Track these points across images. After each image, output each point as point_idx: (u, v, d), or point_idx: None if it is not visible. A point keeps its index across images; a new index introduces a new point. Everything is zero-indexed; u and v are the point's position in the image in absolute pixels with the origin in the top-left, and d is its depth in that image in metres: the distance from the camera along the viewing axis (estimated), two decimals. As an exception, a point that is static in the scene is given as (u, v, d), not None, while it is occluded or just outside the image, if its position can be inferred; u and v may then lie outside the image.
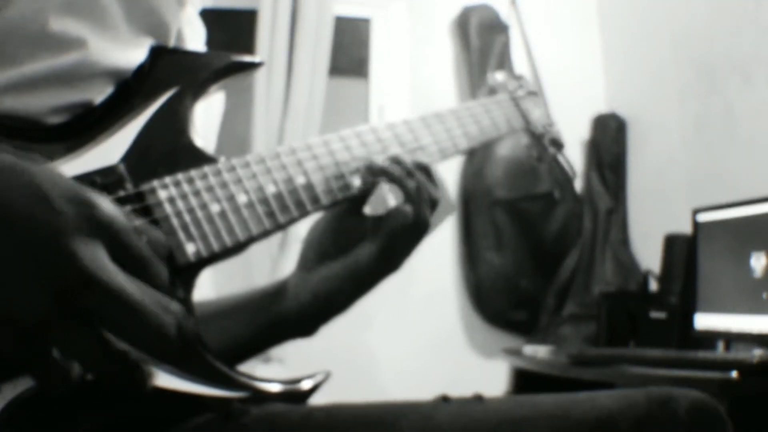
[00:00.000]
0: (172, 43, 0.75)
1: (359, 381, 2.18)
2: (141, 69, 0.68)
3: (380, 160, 0.77)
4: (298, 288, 0.79)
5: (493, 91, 1.05)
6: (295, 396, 0.68)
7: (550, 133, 1.08)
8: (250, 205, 0.66)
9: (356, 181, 0.75)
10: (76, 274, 0.46)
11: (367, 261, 0.76)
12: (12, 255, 0.46)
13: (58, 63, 0.63)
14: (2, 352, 0.47)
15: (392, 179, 0.76)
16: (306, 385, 0.68)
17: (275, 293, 0.79)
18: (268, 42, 2.48)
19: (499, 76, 1.07)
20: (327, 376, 0.70)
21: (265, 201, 0.67)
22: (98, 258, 0.47)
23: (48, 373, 0.48)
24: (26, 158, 0.50)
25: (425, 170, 0.79)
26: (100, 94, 0.66)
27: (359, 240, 0.77)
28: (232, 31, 2.62)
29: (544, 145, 1.08)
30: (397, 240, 0.76)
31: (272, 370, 2.32)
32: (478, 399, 0.72)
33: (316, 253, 0.79)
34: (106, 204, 0.50)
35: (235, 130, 2.52)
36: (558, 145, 1.09)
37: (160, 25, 0.73)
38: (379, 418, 0.68)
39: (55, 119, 0.63)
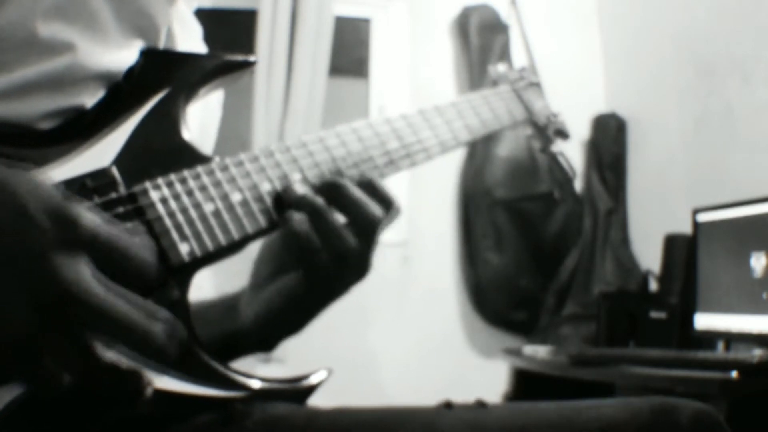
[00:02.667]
0: (162, 43, 0.75)
1: (359, 381, 2.18)
2: (132, 71, 0.68)
3: (298, 186, 0.68)
4: (245, 305, 0.76)
5: (494, 83, 1.03)
6: (296, 394, 0.68)
7: (555, 124, 1.06)
8: (244, 203, 0.65)
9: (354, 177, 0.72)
10: (57, 291, 0.47)
11: (299, 287, 0.71)
12: None
13: (48, 68, 0.63)
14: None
15: (309, 212, 0.67)
16: (307, 382, 0.68)
17: (228, 308, 0.77)
18: (268, 42, 2.49)
19: (500, 68, 1.06)
20: (328, 373, 0.69)
21: (260, 199, 0.66)
22: (79, 274, 0.48)
23: (38, 381, 0.48)
24: (10, 167, 0.50)
25: (368, 185, 0.70)
26: (91, 97, 0.65)
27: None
28: (232, 31, 2.63)
29: (548, 135, 1.07)
30: (321, 272, 0.69)
31: (272, 370, 2.33)
32: (481, 405, 0.71)
33: (266, 270, 0.76)
34: (88, 216, 0.50)
35: (236, 130, 2.53)
36: (563, 135, 1.08)
37: (150, 26, 0.72)
38: (382, 424, 0.68)
39: (47, 124, 0.63)
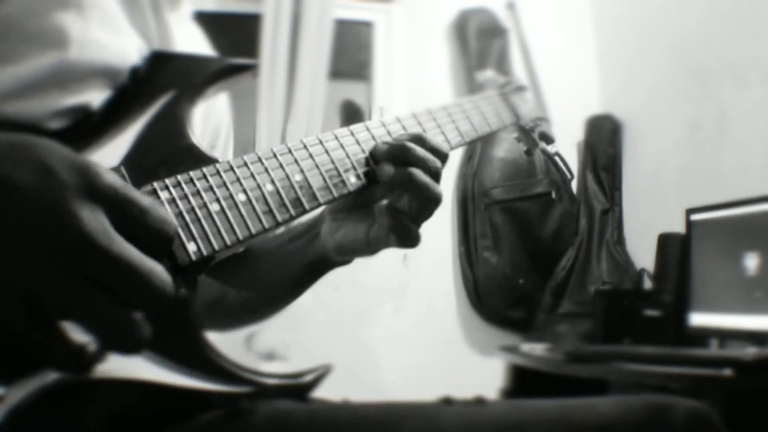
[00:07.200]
0: (155, 41, 0.76)
1: (359, 378, 2.20)
2: (138, 73, 0.69)
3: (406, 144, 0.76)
4: (326, 235, 0.81)
5: (483, 87, 1.05)
6: (297, 389, 0.69)
7: (540, 127, 1.09)
8: (248, 203, 0.66)
9: (351, 178, 0.75)
10: (78, 238, 0.47)
11: (390, 243, 0.77)
12: (16, 224, 0.47)
13: (52, 60, 0.64)
14: (10, 327, 0.48)
15: (418, 163, 0.75)
16: (307, 378, 0.69)
17: (313, 236, 0.83)
18: (271, 45, 2.51)
19: (488, 73, 1.08)
20: (328, 369, 0.71)
21: (263, 199, 0.67)
22: (100, 224, 0.48)
23: (54, 345, 0.48)
24: (28, 134, 0.51)
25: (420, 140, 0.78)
26: (96, 95, 0.67)
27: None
28: (235, 36, 2.63)
29: (533, 139, 1.09)
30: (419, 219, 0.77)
31: (275, 368, 2.34)
32: (480, 402, 0.73)
33: (343, 204, 0.80)
34: (108, 174, 0.51)
35: (240, 132, 2.54)
36: (547, 139, 1.10)
37: (144, 22, 0.74)
38: (383, 419, 0.70)
39: (56, 124, 0.64)
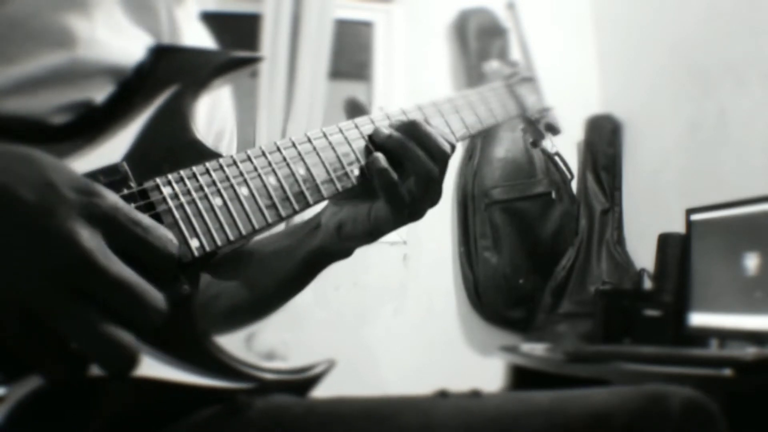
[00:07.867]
0: (166, 37, 0.76)
1: (359, 378, 2.20)
2: (142, 67, 0.69)
3: (384, 129, 0.76)
4: (327, 220, 0.81)
5: (489, 79, 1.05)
6: (298, 385, 0.69)
7: (546, 118, 1.08)
8: (251, 198, 0.66)
9: (355, 171, 0.74)
10: (77, 256, 0.48)
11: (389, 219, 0.76)
12: (16, 237, 0.47)
13: (58, 60, 0.64)
14: (3, 335, 0.48)
15: (398, 145, 0.75)
16: (310, 373, 0.70)
17: (312, 226, 0.83)
18: (271, 45, 2.51)
19: (494, 64, 1.07)
20: (330, 365, 0.71)
21: (266, 194, 0.67)
22: (98, 244, 0.49)
23: (48, 357, 0.49)
24: (35, 150, 0.52)
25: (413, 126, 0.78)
26: (99, 92, 0.66)
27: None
28: (235, 35, 2.64)
29: (539, 130, 1.09)
30: (416, 202, 0.76)
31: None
32: (476, 394, 0.73)
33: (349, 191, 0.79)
34: (110, 195, 0.51)
35: (240, 132, 2.54)
36: (554, 130, 1.10)
37: (155, 20, 0.74)
38: (380, 412, 0.70)
39: (59, 119, 0.64)
